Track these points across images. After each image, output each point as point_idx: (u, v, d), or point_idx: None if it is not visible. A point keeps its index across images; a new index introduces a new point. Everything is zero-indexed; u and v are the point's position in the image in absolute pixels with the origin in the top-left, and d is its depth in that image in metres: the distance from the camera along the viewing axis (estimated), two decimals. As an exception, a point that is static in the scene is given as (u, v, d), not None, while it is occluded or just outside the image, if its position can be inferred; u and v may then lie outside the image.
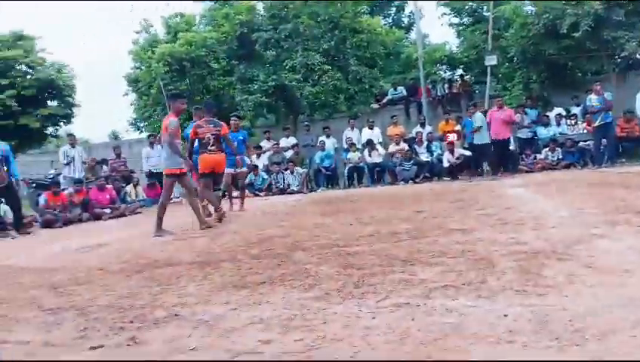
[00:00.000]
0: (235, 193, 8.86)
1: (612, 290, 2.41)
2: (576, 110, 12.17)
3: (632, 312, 2.08)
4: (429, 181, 11.68)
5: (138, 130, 19.18)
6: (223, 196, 8.43)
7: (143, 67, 16.43)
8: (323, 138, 13.44)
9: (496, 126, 10.87)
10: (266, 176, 12.59)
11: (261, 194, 12.17)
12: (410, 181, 11.79)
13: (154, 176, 12.36)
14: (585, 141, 11.43)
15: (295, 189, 12.23)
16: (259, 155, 13.23)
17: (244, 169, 9.03)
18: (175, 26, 17.19)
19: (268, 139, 13.82)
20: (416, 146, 12.59)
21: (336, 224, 5.61)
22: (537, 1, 13.23)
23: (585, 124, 11.59)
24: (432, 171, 12.09)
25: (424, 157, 12.36)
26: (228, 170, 7.97)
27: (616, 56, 12.78)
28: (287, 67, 14.88)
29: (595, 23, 11.85)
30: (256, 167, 12.62)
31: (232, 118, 8.68)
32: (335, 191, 11.74)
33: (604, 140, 10.89)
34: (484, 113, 11.51)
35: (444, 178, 11.69)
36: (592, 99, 10.94)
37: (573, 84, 13.67)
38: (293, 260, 3.77)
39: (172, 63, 15.10)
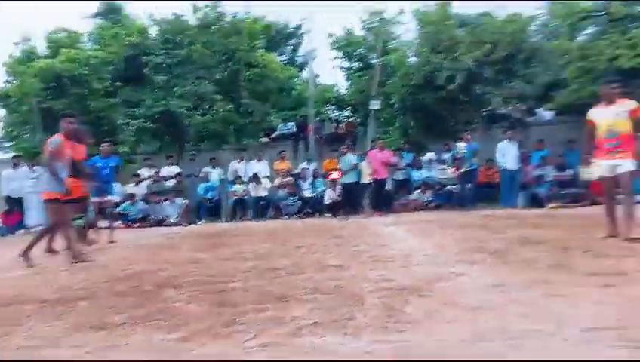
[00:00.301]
0: (103, 223, 8.28)
1: (465, 326, 2.58)
2: (446, 156, 13.27)
3: (480, 347, 2.25)
4: (312, 217, 11.90)
5: (1, 150, 17.29)
6: (90, 227, 7.82)
7: (16, 81, 14.96)
8: (208, 169, 13.17)
9: (376, 166, 11.49)
10: (143, 206, 11.93)
11: (135, 225, 11.49)
12: (294, 216, 11.91)
13: (13, 202, 11.17)
14: (452, 185, 12.45)
15: (173, 221, 11.73)
16: (137, 183, 12.56)
17: (113, 197, 8.51)
18: (57, 41, 15.98)
19: (149, 166, 13.20)
20: (300, 182, 12.82)
21: (213, 259, 5.45)
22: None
23: (454, 169, 12.65)
24: (314, 207, 12.34)
25: (308, 193, 12.60)
26: (93, 199, 7.46)
27: (483, 110, 14.22)
28: (177, 94, 14.50)
29: (468, 78, 13.15)
30: (132, 195, 11.95)
31: (103, 144, 8.17)
32: (217, 225, 11.47)
33: (469, 185, 11.98)
34: (364, 154, 12.14)
35: (326, 214, 11.98)
36: (461, 147, 12.07)
37: (446, 132, 14.92)
38: (161, 298, 3.57)
39: (50, 80, 13.96)
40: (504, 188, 11.69)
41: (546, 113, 16.28)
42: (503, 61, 13.29)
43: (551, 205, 10.96)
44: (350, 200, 11.50)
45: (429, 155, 13.45)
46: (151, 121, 14.32)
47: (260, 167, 13.24)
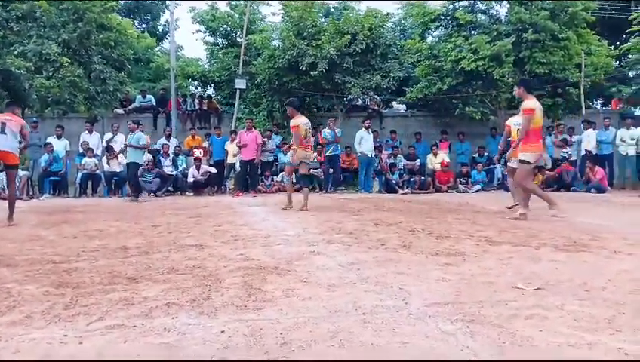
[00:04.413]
0: None
1: (320, 303, 2.65)
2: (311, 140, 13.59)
3: (332, 323, 2.32)
4: (172, 195, 11.40)
5: None
6: None
7: None
8: (52, 138, 11.86)
9: (243, 146, 11.30)
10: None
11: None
12: (152, 194, 11.29)
13: None
14: (315, 168, 12.82)
15: (11, 195, 10.40)
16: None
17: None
18: None
19: (-20, 132, 11.43)
20: (161, 158, 12.16)
21: (56, 237, 4.99)
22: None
23: (316, 154, 13.03)
24: (175, 185, 11.84)
25: (169, 170, 12.02)
26: None
27: (344, 98, 14.81)
28: (16, 52, 12.71)
29: (330, 67, 13.57)
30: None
31: None
32: (63, 200, 10.44)
33: (331, 169, 12.45)
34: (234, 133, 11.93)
35: (188, 193, 11.58)
36: (326, 133, 12.47)
37: (310, 117, 15.24)
38: (-10, 278, 3.14)
39: None
40: (361, 173, 12.38)
41: (399, 106, 17.57)
42: (362, 53, 13.96)
43: (402, 191, 11.89)
44: (131, 179, 10.81)
45: (294, 139, 13.67)
46: (-18, 81, 12.37)
47: (115, 140, 12.28)
